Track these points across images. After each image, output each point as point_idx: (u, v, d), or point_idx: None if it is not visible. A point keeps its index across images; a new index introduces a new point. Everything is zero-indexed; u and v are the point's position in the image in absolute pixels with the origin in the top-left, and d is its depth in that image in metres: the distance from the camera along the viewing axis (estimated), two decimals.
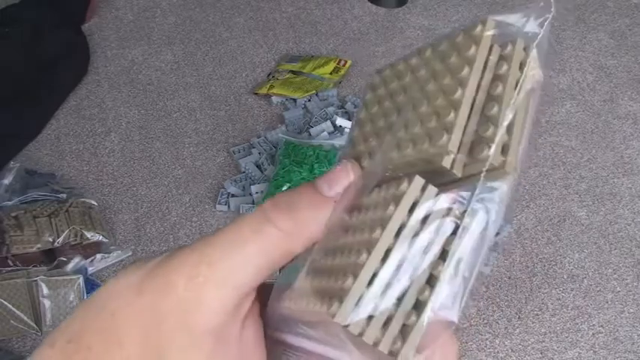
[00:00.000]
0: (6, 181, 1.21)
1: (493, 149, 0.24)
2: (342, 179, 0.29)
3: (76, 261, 1.11)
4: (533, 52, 0.26)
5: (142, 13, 1.78)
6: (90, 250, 1.15)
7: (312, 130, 1.34)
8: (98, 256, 1.15)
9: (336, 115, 1.36)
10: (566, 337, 1.12)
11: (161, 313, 0.26)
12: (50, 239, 1.11)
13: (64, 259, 1.11)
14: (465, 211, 0.25)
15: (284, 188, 1.21)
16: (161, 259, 0.27)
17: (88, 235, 1.14)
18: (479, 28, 0.26)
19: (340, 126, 1.33)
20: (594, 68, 1.67)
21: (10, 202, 1.18)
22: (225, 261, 0.27)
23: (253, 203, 1.26)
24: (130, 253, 1.21)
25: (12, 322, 1.05)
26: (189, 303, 0.26)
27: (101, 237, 1.16)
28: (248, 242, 0.27)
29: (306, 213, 0.28)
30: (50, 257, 1.12)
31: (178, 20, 1.76)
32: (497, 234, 1.22)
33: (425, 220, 0.25)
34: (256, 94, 1.54)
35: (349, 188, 0.29)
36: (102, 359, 0.26)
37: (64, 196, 1.21)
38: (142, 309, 0.26)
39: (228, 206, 1.28)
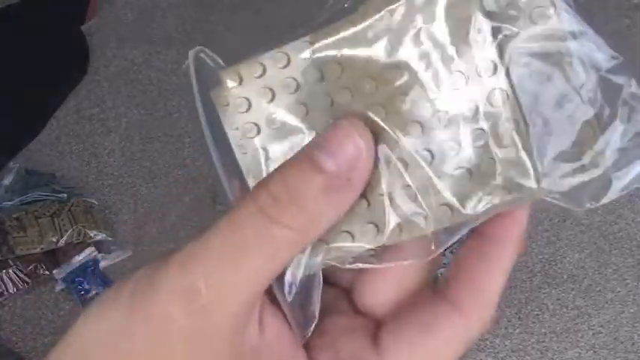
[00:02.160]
0: (6, 182, 1.21)
1: None
2: (347, 150, 0.22)
3: (87, 252, 1.11)
4: None
5: (143, 13, 1.78)
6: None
7: None
8: (99, 255, 1.14)
9: None
10: (566, 337, 1.12)
11: (162, 356, 0.22)
12: (54, 239, 1.11)
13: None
14: None
15: None
16: (144, 281, 0.23)
17: (91, 233, 1.14)
18: None
19: None
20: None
21: (10, 203, 1.18)
22: (229, 277, 0.22)
23: None
24: (130, 253, 1.21)
25: None
26: (194, 336, 0.22)
27: (104, 235, 1.16)
28: (252, 250, 0.22)
29: (319, 203, 0.22)
30: (51, 258, 1.11)
31: (178, 20, 1.76)
32: None
33: None
34: None
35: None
36: None
37: (65, 196, 1.21)
38: (138, 357, 0.22)
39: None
